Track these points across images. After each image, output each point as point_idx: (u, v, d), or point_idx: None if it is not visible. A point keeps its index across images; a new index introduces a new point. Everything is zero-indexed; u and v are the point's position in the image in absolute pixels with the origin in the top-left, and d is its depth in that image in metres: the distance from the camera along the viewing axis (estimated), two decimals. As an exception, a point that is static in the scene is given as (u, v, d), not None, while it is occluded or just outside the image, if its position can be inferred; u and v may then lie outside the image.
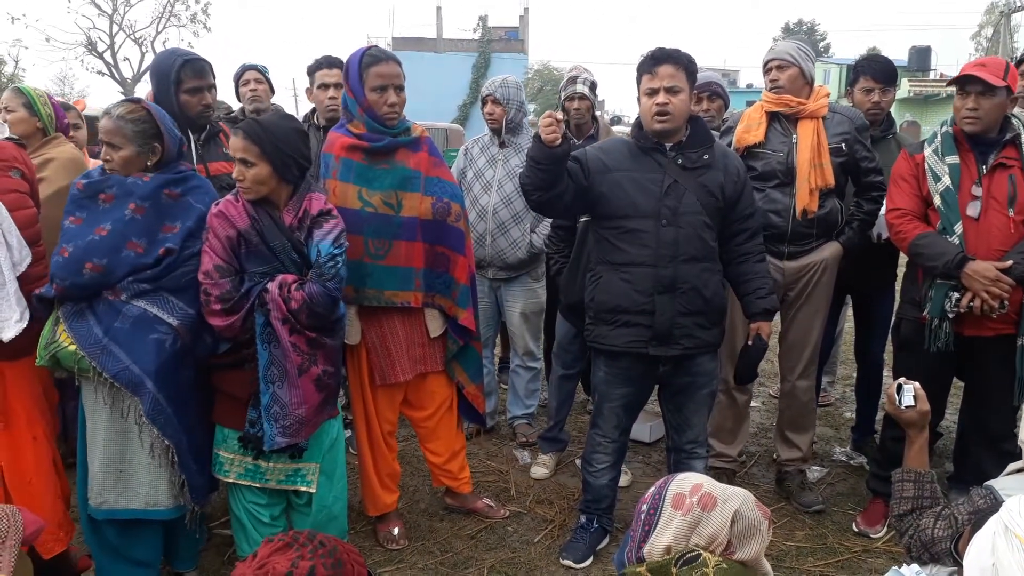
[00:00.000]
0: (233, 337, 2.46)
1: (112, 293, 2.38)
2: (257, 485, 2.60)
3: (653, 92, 2.68)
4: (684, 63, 2.69)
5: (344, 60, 3.26)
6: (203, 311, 2.43)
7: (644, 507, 1.70)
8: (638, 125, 2.82)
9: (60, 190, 2.73)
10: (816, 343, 3.40)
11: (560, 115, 2.55)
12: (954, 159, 2.84)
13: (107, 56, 30.89)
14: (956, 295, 2.79)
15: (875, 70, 3.46)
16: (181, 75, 2.83)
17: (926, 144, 2.94)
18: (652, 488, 1.74)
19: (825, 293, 3.33)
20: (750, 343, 2.92)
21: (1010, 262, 2.71)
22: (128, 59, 31.48)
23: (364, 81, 2.75)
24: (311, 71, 3.68)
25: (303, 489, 2.65)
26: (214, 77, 2.99)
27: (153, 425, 2.41)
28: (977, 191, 2.80)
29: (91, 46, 30.47)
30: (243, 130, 2.41)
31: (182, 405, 2.47)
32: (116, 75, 30.67)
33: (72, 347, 2.35)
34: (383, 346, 2.90)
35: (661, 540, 1.63)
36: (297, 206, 2.49)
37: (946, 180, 2.83)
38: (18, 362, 2.51)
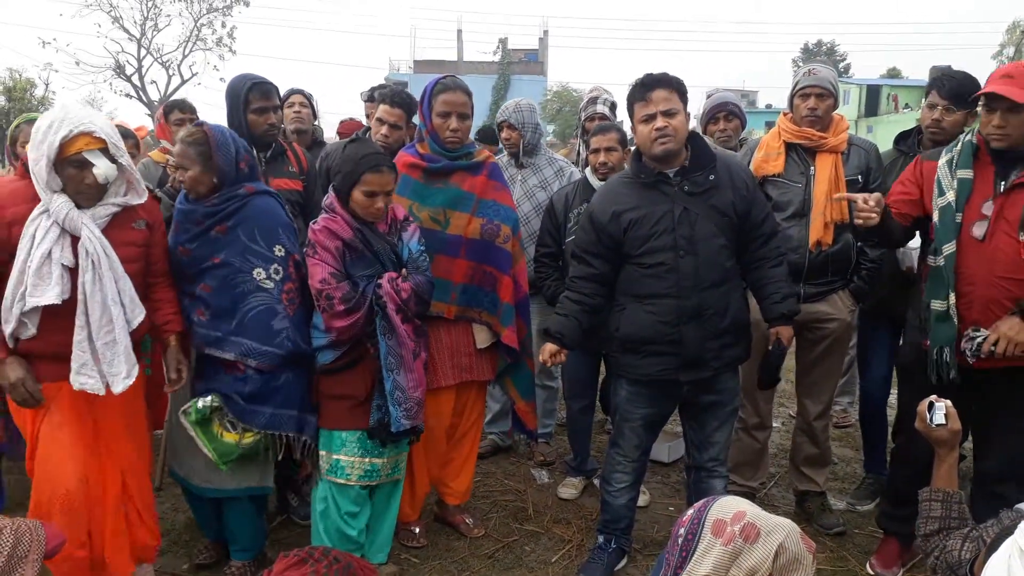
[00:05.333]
0: (353, 336, 2.66)
1: (226, 366, 2.62)
2: (373, 483, 2.81)
3: (650, 118, 2.63)
4: (675, 85, 2.67)
5: (410, 96, 3.43)
6: (324, 318, 2.63)
7: (681, 531, 1.63)
8: (636, 158, 2.79)
9: None
10: (833, 389, 3.45)
11: (555, 353, 2.78)
12: (967, 173, 2.63)
13: (135, 79, 31.47)
14: (980, 336, 2.54)
15: (942, 86, 3.18)
16: (249, 96, 3.04)
17: (944, 151, 2.75)
18: (690, 511, 1.67)
19: (843, 351, 3.37)
20: (770, 348, 2.89)
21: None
22: (155, 82, 32.05)
23: (432, 107, 2.94)
24: (373, 99, 3.69)
25: (397, 478, 2.92)
26: (280, 100, 3.18)
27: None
28: (988, 209, 2.57)
29: (119, 69, 31.05)
30: (387, 166, 2.69)
31: None
32: (143, 98, 31.21)
33: (251, 437, 2.61)
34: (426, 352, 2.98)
35: (699, 569, 1.56)
36: (387, 215, 2.76)
37: (949, 196, 2.63)
38: None
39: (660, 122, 2.62)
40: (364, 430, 2.73)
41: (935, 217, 2.67)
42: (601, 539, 3.04)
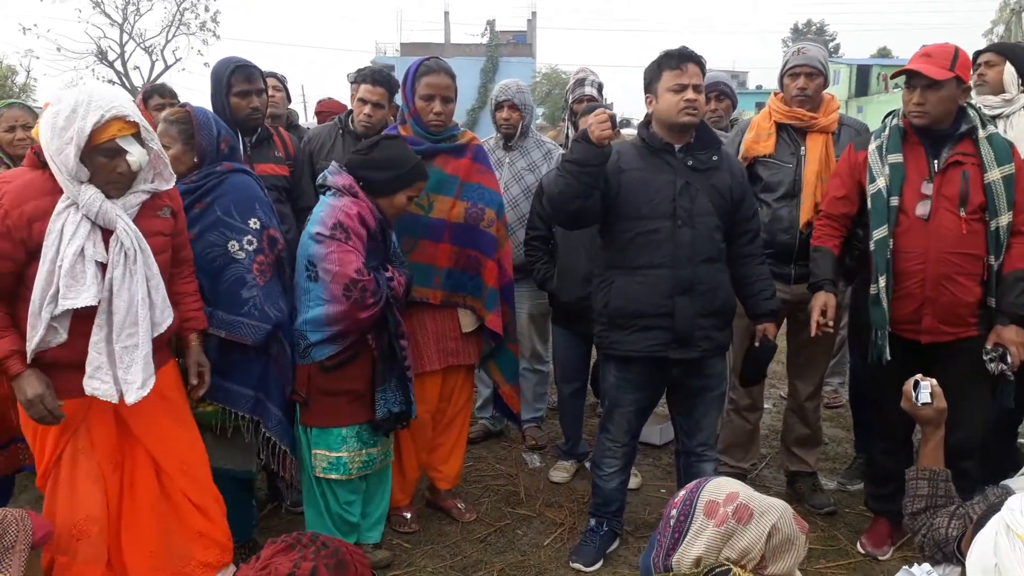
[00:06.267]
0: (367, 328, 2.65)
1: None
2: (370, 472, 2.81)
3: (682, 87, 2.65)
4: (704, 68, 2.73)
5: (390, 75, 3.38)
6: (347, 307, 2.56)
7: (674, 512, 1.62)
8: (645, 125, 2.80)
9: None
10: (824, 370, 3.45)
11: (611, 112, 2.58)
12: (897, 158, 2.71)
13: (117, 65, 31.10)
14: (999, 352, 2.61)
15: None
16: (231, 79, 3.00)
17: (873, 137, 2.82)
18: (682, 492, 1.66)
19: (832, 333, 3.32)
20: (757, 344, 2.90)
21: None
22: (138, 67, 31.69)
23: (415, 89, 2.90)
24: (355, 81, 3.65)
25: (388, 462, 2.94)
26: (264, 83, 3.14)
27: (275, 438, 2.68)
28: (928, 189, 2.66)
29: (102, 55, 30.67)
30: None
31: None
32: (127, 84, 30.84)
33: (203, 407, 2.56)
34: (411, 338, 2.96)
35: (691, 550, 1.55)
36: None
37: (880, 183, 2.71)
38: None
39: (691, 94, 2.65)
40: (362, 423, 2.72)
41: (869, 204, 2.74)
42: (593, 522, 3.04)
